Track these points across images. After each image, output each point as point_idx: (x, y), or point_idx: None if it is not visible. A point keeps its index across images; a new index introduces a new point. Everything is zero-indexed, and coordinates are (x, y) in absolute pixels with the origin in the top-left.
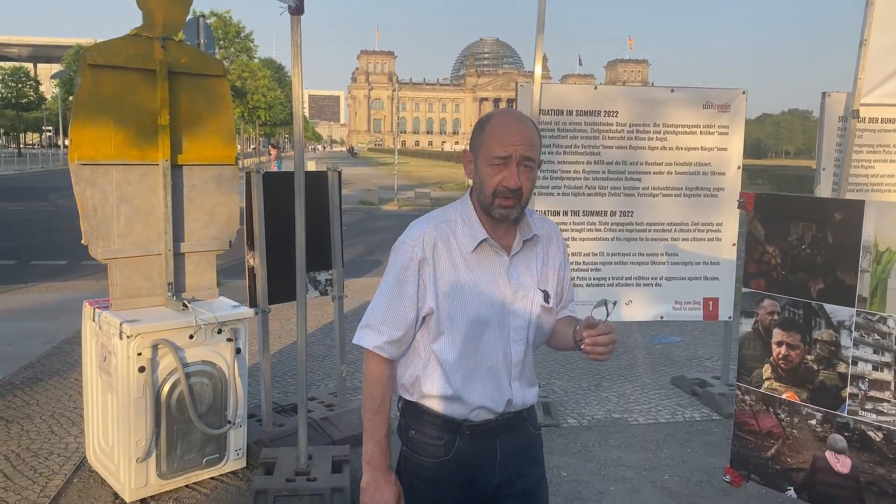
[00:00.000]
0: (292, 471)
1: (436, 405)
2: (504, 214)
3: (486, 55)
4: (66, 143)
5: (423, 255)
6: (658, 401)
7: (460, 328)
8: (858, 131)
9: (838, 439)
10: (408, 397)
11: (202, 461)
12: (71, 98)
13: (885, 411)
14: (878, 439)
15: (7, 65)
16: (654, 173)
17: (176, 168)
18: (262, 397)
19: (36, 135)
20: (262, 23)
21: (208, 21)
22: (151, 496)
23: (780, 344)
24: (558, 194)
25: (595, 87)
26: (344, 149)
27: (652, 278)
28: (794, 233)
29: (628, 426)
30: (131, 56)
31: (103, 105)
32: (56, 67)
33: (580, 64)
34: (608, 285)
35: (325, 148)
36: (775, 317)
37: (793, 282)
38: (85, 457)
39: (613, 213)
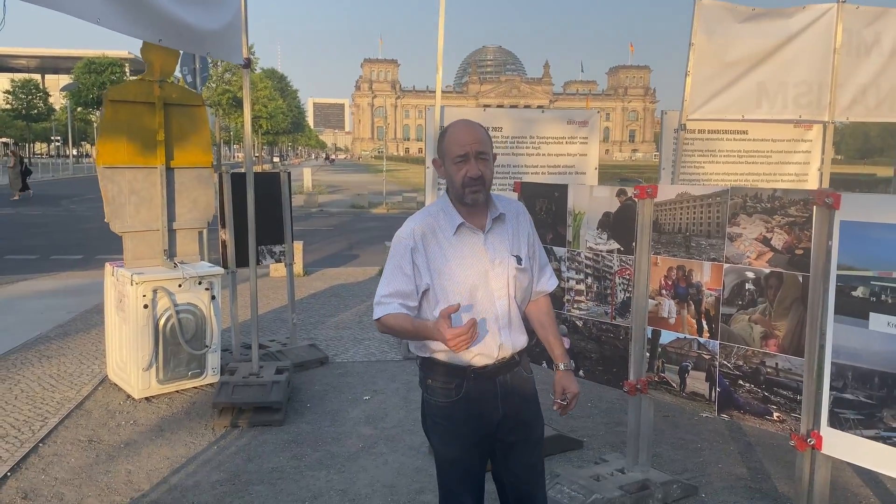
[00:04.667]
0: (248, 373)
1: (444, 357)
2: (474, 199)
3: (489, 62)
4: (75, 152)
5: (414, 244)
6: None
7: (453, 295)
8: (689, 139)
9: (563, 328)
10: (422, 354)
11: (188, 374)
12: (80, 108)
13: (582, 308)
14: (580, 325)
15: (18, 76)
16: (531, 174)
17: (169, 170)
18: (233, 335)
19: (44, 145)
20: (267, 36)
21: None
22: (153, 395)
23: None
24: None
25: (484, 109)
26: (346, 156)
27: None
28: (539, 205)
29: None
30: (138, 94)
31: (119, 127)
32: (64, 78)
33: (582, 70)
34: None
35: (327, 157)
36: None
37: (540, 235)
38: (106, 375)
39: None
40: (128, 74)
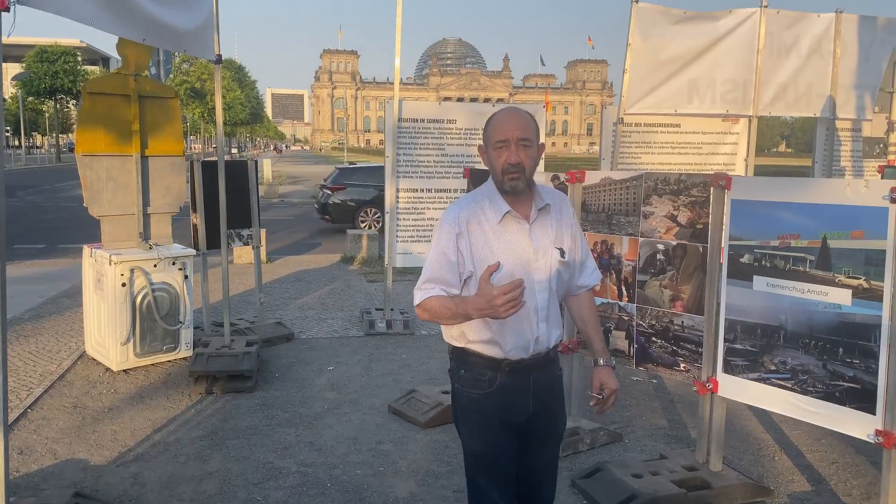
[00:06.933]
0: (220, 345)
1: (479, 349)
2: (513, 186)
3: (449, 55)
4: (27, 143)
5: (460, 230)
6: None
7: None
8: (627, 132)
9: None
10: (456, 344)
11: (163, 348)
12: (31, 98)
13: None
14: None
15: None
16: (482, 163)
17: (144, 158)
18: (204, 313)
19: None
20: (224, 25)
21: None
22: (131, 368)
23: None
24: (416, 177)
25: (440, 103)
26: (307, 147)
27: None
28: None
29: None
30: (115, 86)
31: (97, 118)
32: (13, 66)
33: (542, 64)
34: None
35: (286, 148)
36: None
37: None
38: (84, 351)
39: (455, 190)
40: (81, 63)
